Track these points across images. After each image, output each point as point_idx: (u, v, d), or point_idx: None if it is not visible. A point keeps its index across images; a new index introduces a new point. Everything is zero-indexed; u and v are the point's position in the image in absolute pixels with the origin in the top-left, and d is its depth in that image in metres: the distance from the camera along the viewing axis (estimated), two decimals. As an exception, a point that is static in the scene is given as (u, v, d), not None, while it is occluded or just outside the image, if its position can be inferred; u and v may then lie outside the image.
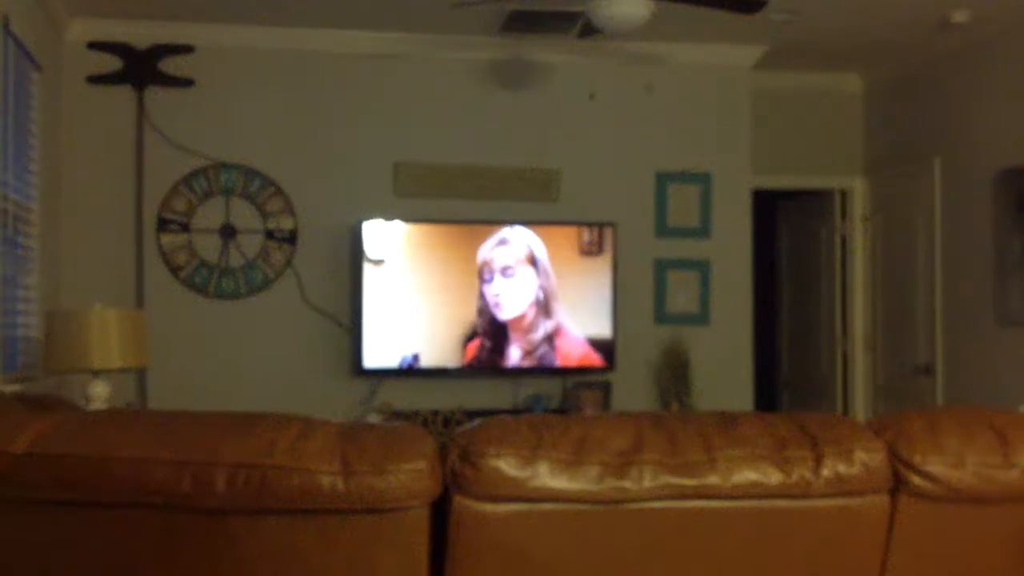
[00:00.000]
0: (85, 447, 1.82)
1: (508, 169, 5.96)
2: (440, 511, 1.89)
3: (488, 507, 1.88)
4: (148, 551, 1.83)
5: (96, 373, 4.19)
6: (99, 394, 4.16)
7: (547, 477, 1.89)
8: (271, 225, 5.75)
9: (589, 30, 4.67)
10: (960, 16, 5.35)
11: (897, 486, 2.06)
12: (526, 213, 5.88)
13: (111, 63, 5.61)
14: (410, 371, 5.65)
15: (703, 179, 6.15)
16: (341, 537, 1.82)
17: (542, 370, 5.78)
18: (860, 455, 2.06)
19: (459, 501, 1.88)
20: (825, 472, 2.03)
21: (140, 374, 5.44)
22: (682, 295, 6.11)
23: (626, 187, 6.07)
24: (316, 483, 1.80)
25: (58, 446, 1.84)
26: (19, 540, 1.87)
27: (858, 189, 6.88)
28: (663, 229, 6.12)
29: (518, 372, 5.78)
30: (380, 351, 5.61)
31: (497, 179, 5.95)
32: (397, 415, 5.55)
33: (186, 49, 5.65)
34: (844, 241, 6.93)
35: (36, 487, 1.83)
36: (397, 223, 5.66)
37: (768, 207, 7.20)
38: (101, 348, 4.11)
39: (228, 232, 5.72)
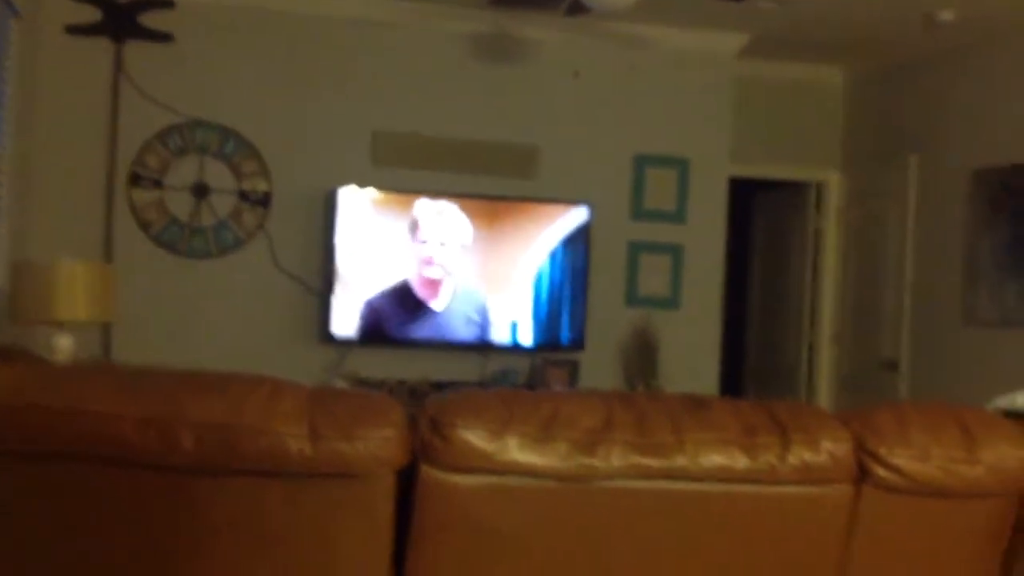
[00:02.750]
0: (50, 399, 1.80)
1: (487, 143, 5.94)
2: (407, 480, 1.89)
3: (455, 478, 1.88)
4: (112, 507, 1.82)
5: (61, 325, 4.14)
6: (63, 347, 4.11)
7: (516, 451, 1.89)
8: (245, 186, 5.70)
9: (577, 7, 4.65)
10: (946, 15, 5.36)
11: (862, 477, 2.08)
12: (502, 188, 5.86)
13: (91, 14, 5.51)
14: (377, 339, 5.63)
15: (681, 164, 6.15)
16: (307, 501, 1.81)
17: (511, 346, 5.77)
18: (827, 444, 2.07)
19: (426, 471, 1.88)
20: (791, 459, 2.04)
21: (105, 329, 5.38)
22: (654, 278, 6.12)
23: (604, 168, 6.07)
24: (284, 446, 1.78)
25: (23, 397, 1.82)
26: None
27: (834, 182, 6.90)
28: (639, 212, 6.12)
29: (486, 346, 5.77)
30: (348, 318, 5.58)
31: (475, 152, 5.92)
32: (363, 383, 5.53)
33: (167, 3, 5.57)
34: (817, 234, 6.96)
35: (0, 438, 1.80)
36: (371, 191, 5.62)
37: (745, 196, 7.21)
38: (67, 300, 4.07)
39: (201, 191, 5.66)
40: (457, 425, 1.86)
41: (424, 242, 5.65)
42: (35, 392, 1.85)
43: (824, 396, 6.85)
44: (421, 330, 5.69)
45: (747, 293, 7.75)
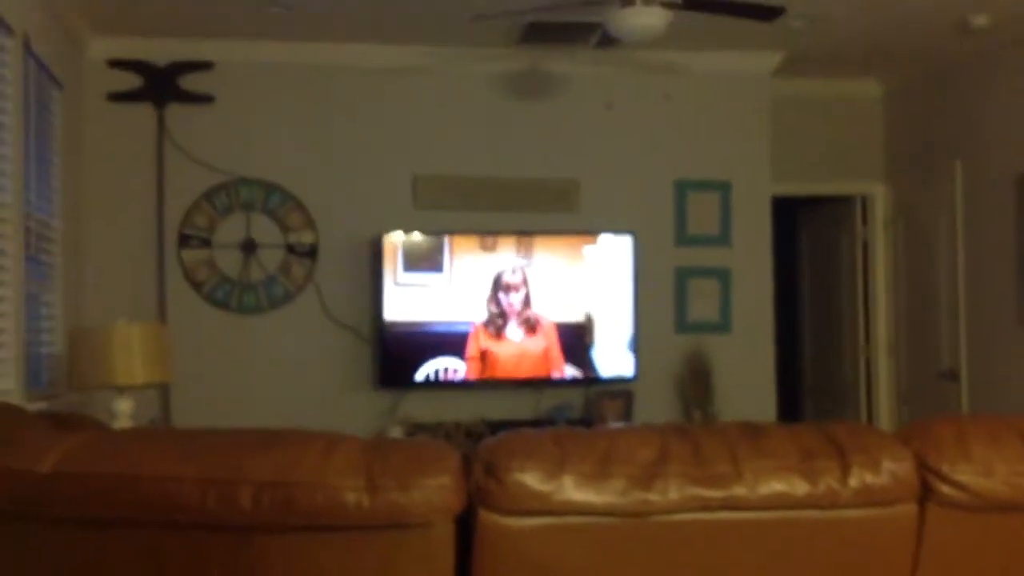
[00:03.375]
0: (111, 465, 1.83)
1: (526, 180, 5.96)
2: (465, 526, 1.89)
3: (513, 521, 1.87)
4: (173, 570, 1.83)
5: (120, 389, 4.20)
6: (123, 410, 4.17)
7: (572, 490, 1.88)
8: (292, 239, 5.77)
9: (607, 40, 4.68)
10: (980, 20, 5.31)
11: (926, 495, 2.04)
12: (545, 223, 5.87)
13: (131, 81, 5.64)
14: (431, 383, 5.64)
15: (723, 187, 6.13)
16: (366, 553, 1.82)
17: (563, 380, 5.76)
18: (888, 464, 2.04)
19: (484, 516, 1.87)
20: (852, 482, 2.01)
21: (164, 390, 5.45)
22: (703, 303, 6.09)
23: (645, 196, 6.06)
24: (341, 499, 1.79)
25: (84, 465, 1.84)
26: (45, 560, 1.88)
27: (879, 194, 6.84)
28: (683, 238, 6.10)
29: (539, 382, 5.76)
30: (401, 363, 5.61)
31: (516, 190, 5.95)
32: (419, 428, 5.54)
33: (205, 66, 5.68)
34: (866, 247, 6.89)
35: (62, 506, 1.83)
36: (416, 235, 5.66)
37: (788, 214, 7.17)
38: (125, 364, 4.13)
39: (249, 247, 5.74)
40: (512, 468, 1.86)
41: (506, 296, 5.68)
42: (95, 459, 1.87)
43: (884, 410, 6.75)
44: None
45: (798, 311, 7.68)
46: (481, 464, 1.88)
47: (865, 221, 6.89)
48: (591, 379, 5.79)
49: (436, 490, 1.83)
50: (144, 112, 5.67)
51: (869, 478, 2.03)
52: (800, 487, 2.00)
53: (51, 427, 2.39)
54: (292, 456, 1.83)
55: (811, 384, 7.62)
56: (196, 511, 1.79)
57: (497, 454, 1.88)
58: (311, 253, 5.78)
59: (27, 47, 4.28)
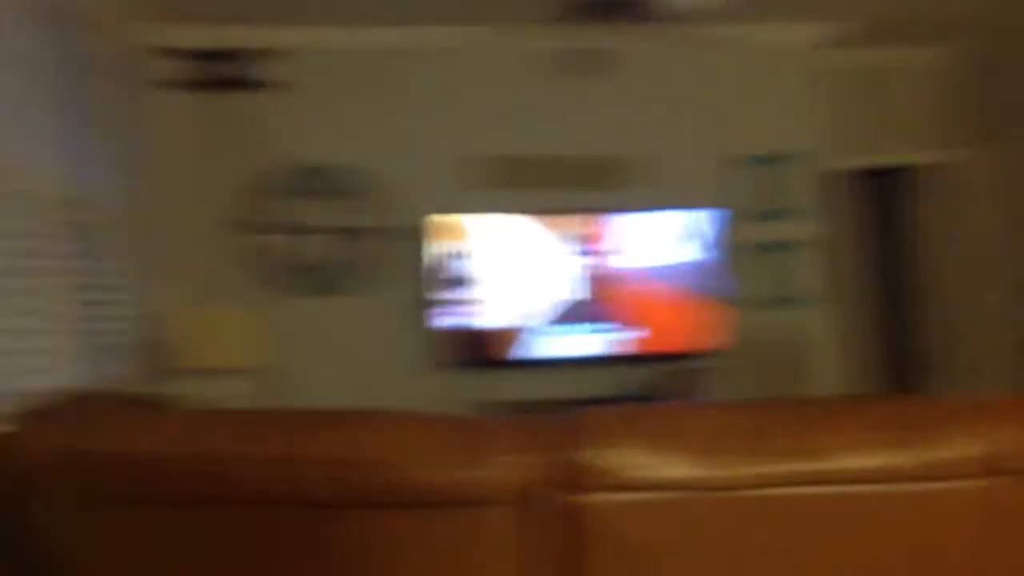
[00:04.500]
0: (188, 446, 1.87)
1: (577, 158, 5.95)
2: (542, 503, 1.88)
3: (589, 498, 1.86)
4: (256, 547, 1.87)
5: (212, 373, 4.28)
6: (222, 396, 4.23)
7: (648, 466, 1.87)
8: (354, 223, 5.82)
9: (656, 15, 4.62)
10: None
11: (995, 470, 2.01)
12: (595, 202, 5.82)
13: (193, 68, 5.74)
14: (505, 362, 5.67)
15: (802, 159, 6.04)
16: (434, 531, 1.82)
17: (637, 357, 5.75)
18: (960, 438, 2.01)
19: (558, 493, 1.87)
20: (925, 455, 1.99)
21: (244, 375, 5.57)
22: (783, 278, 6.02)
23: (707, 172, 6.00)
24: (412, 476, 1.80)
25: (177, 445, 1.89)
26: (137, 543, 1.92)
27: (966, 164, 6.66)
28: (749, 212, 6.03)
29: (608, 360, 5.74)
30: (478, 343, 5.65)
31: (568, 168, 5.94)
32: (492, 408, 5.58)
33: (275, 53, 5.76)
34: (945, 216, 6.72)
35: (152, 488, 1.88)
36: (473, 216, 5.68)
37: (859, 186, 7.02)
38: (225, 347, 4.18)
39: (316, 232, 5.81)
40: (609, 442, 1.85)
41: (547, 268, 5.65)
42: (175, 439, 1.92)
43: (974, 380, 6.61)
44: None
45: (887, 282, 7.53)
46: (556, 440, 1.87)
47: (936, 191, 6.72)
48: (666, 356, 5.76)
49: (509, 466, 1.83)
50: (207, 98, 5.76)
51: (940, 452, 2.00)
52: (891, 458, 1.97)
53: (141, 410, 2.46)
54: (363, 433, 1.85)
55: (898, 354, 7.44)
56: (272, 489, 1.82)
57: (573, 430, 1.87)
58: (370, 236, 5.82)
59: (95, 34, 4.34)
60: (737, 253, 5.96)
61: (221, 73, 5.74)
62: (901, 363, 7.34)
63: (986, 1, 5.57)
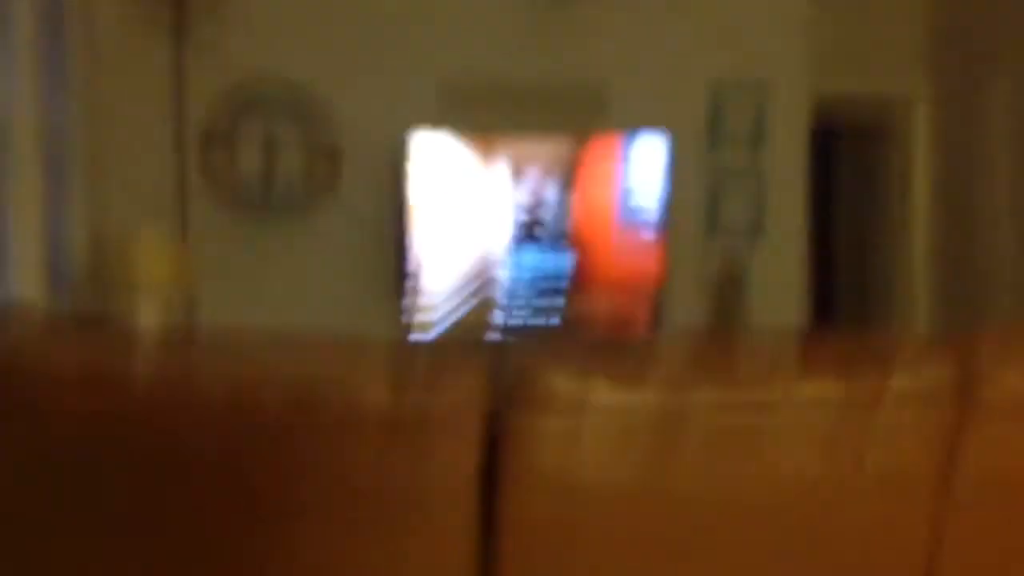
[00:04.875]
0: (133, 365, 1.81)
1: (555, 85, 5.85)
2: (496, 426, 1.86)
3: (542, 421, 1.84)
4: (203, 469, 1.83)
5: (144, 294, 4.20)
6: (150, 316, 4.17)
7: (604, 392, 1.86)
8: (315, 140, 5.69)
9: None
10: None
11: (966, 397, 2.00)
12: (574, 124, 5.77)
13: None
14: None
15: (758, 91, 5.98)
16: (394, 453, 1.80)
17: (592, 286, 5.73)
18: (926, 366, 2.00)
19: (512, 415, 1.85)
20: (891, 385, 1.98)
21: (189, 296, 5.46)
22: (737, 208, 6.00)
23: (677, 97, 5.93)
24: (366, 398, 1.77)
25: (106, 364, 1.83)
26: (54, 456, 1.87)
27: (920, 102, 6.68)
28: (717, 139, 5.98)
29: (568, 289, 5.73)
30: (433, 272, 5.59)
31: (544, 96, 5.85)
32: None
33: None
34: (907, 158, 6.77)
35: (82, 407, 1.81)
36: (442, 135, 5.58)
37: (828, 142, 7.02)
38: (148, 269, 4.12)
39: (271, 148, 5.67)
40: (542, 367, 1.83)
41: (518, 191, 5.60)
42: (120, 358, 1.85)
43: (924, 321, 6.70)
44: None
45: (836, 220, 7.61)
46: (511, 364, 1.85)
47: (907, 130, 6.75)
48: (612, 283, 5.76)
49: (464, 389, 1.81)
50: (163, 9, 5.56)
51: (907, 381, 1.99)
52: (836, 390, 1.97)
53: (75, 328, 2.37)
54: (318, 357, 1.81)
55: (849, 296, 7.57)
56: (222, 410, 1.77)
57: (527, 354, 1.86)
58: (334, 155, 5.71)
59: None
60: (692, 181, 5.91)
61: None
62: (857, 299, 7.45)
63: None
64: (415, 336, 5.53)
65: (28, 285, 3.95)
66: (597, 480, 1.90)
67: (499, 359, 1.87)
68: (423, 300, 5.62)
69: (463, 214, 5.59)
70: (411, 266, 5.54)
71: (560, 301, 5.71)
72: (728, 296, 5.81)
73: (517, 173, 5.62)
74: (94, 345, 1.91)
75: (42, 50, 4.25)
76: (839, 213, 7.48)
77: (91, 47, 5.12)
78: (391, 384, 1.77)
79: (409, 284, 5.57)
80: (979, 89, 6.03)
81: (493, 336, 5.46)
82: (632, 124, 5.79)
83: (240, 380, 1.79)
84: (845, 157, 7.40)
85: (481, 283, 5.58)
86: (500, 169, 5.59)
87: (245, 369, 1.80)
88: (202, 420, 1.79)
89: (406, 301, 5.60)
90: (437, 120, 5.68)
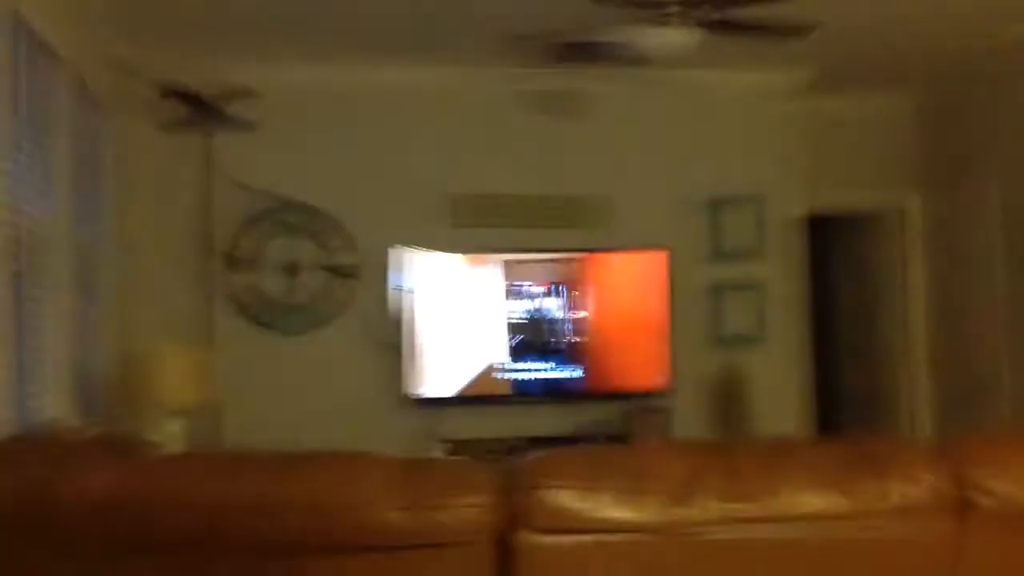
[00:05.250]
0: (161, 492, 1.87)
1: (560, 198, 5.99)
2: (506, 545, 1.91)
3: (551, 540, 1.89)
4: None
5: (170, 412, 4.27)
6: (174, 433, 4.24)
7: (608, 508, 1.90)
8: (333, 261, 5.84)
9: (637, 60, 4.70)
10: (1013, 30, 5.23)
11: (965, 508, 2.04)
12: (579, 242, 5.89)
13: (180, 109, 5.74)
14: (468, 399, 5.69)
15: (756, 202, 6.11)
16: (407, 573, 1.84)
17: (599, 394, 5.78)
18: (926, 477, 2.04)
19: (523, 534, 1.90)
20: (891, 496, 2.02)
21: (215, 411, 5.53)
22: (738, 318, 6.07)
23: (679, 213, 6.05)
24: (379, 519, 1.82)
25: (135, 491, 1.88)
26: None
27: (915, 208, 6.79)
28: (717, 253, 6.09)
29: (576, 396, 5.78)
30: (439, 381, 5.67)
31: (549, 208, 5.99)
32: (460, 445, 5.57)
33: (250, 93, 5.75)
34: (904, 261, 6.85)
35: (112, 533, 1.87)
36: (450, 253, 5.71)
37: (825, 230, 7.13)
38: (173, 386, 4.20)
39: (293, 270, 5.81)
40: (548, 486, 1.88)
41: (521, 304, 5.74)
42: (145, 485, 1.91)
43: (924, 424, 6.70)
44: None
45: (836, 326, 7.65)
46: (519, 483, 1.91)
47: (902, 235, 6.84)
48: (629, 394, 5.81)
49: (474, 509, 1.85)
50: (191, 140, 5.77)
51: (908, 492, 2.03)
52: (838, 502, 2.00)
53: (102, 452, 2.44)
54: (334, 478, 1.86)
55: (850, 399, 7.57)
56: (244, 535, 1.82)
57: (534, 473, 1.91)
58: (352, 274, 5.84)
59: (77, 77, 4.38)
60: (694, 293, 6.01)
61: (207, 114, 5.72)
62: (859, 406, 7.44)
63: (938, 54, 5.68)
64: (432, 451, 5.57)
65: (59, 403, 4.04)
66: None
67: (507, 477, 1.91)
68: (433, 409, 5.66)
69: (469, 326, 5.69)
70: (420, 376, 5.61)
71: (567, 411, 5.78)
72: (731, 402, 5.85)
73: (522, 286, 5.75)
74: (120, 471, 1.96)
75: (77, 174, 4.41)
76: (840, 301, 7.53)
77: (124, 172, 5.31)
78: (402, 505, 1.81)
79: (419, 393, 5.63)
80: (969, 194, 6.15)
81: (502, 449, 5.48)
82: (635, 238, 5.92)
83: (257, 505, 1.82)
84: (841, 245, 7.47)
85: (488, 393, 5.65)
86: (505, 282, 5.72)
87: (263, 492, 1.85)
88: (223, 545, 1.83)
89: (417, 410, 5.65)
90: (447, 236, 5.82)
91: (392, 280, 5.72)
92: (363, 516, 1.83)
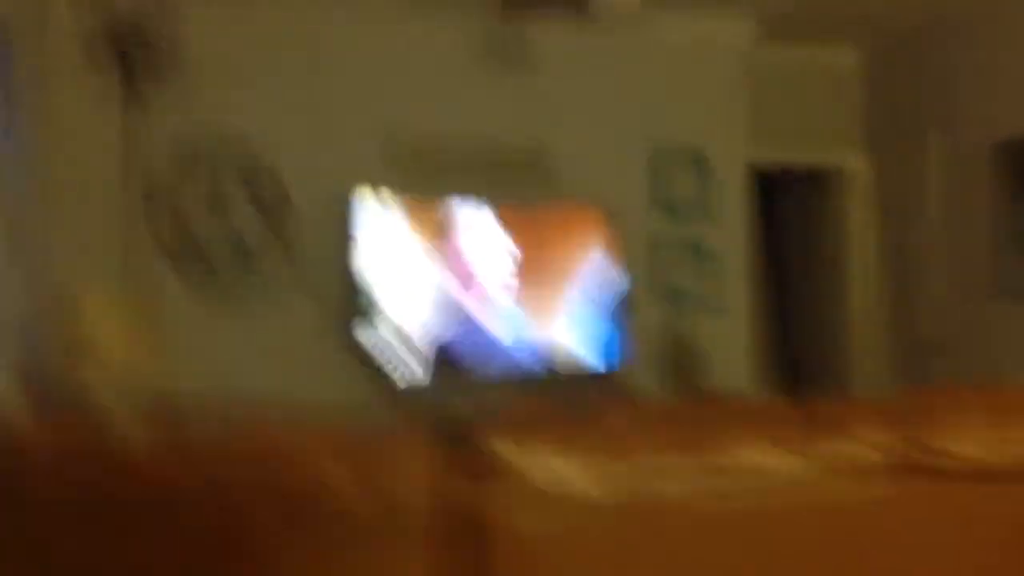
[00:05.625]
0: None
1: (499, 149, 5.91)
2: (457, 510, 1.87)
3: (502, 497, 1.85)
4: (162, 550, 1.82)
5: (94, 354, 4.16)
6: (106, 379, 4.13)
7: (552, 463, 1.87)
8: (260, 203, 5.71)
9: (583, 10, 4.63)
10: None
11: (906, 465, 2.05)
12: (516, 190, 5.83)
13: (100, 43, 5.53)
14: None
15: (698, 156, 6.11)
16: (349, 540, 1.80)
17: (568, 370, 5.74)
18: (867, 434, 2.05)
19: (474, 499, 1.86)
20: (826, 452, 2.02)
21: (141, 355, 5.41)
22: (681, 278, 6.07)
23: (619, 167, 6.02)
24: (322, 482, 1.78)
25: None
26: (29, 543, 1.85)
27: (857, 165, 6.85)
28: (659, 208, 6.08)
29: (536, 372, 5.74)
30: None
31: (487, 159, 5.91)
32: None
33: (175, 26, 5.57)
34: (845, 218, 6.91)
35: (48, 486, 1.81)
36: (385, 194, 5.61)
37: (767, 189, 7.16)
38: (98, 330, 4.09)
39: (220, 210, 5.67)
40: (490, 441, 1.85)
41: (463, 256, 5.63)
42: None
43: (868, 383, 6.81)
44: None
45: (781, 286, 7.71)
46: (470, 442, 1.87)
47: (843, 192, 6.90)
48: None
49: (423, 476, 1.82)
50: (112, 78, 5.57)
51: (846, 448, 2.04)
52: (777, 458, 2.00)
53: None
54: (271, 434, 1.82)
55: (794, 356, 7.66)
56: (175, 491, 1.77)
57: (484, 432, 1.87)
58: (280, 216, 5.72)
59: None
60: (644, 252, 5.99)
61: (129, 48, 5.52)
62: (805, 363, 7.54)
63: (886, 2, 5.69)
64: (376, 398, 5.46)
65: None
66: (555, 552, 1.90)
67: (455, 433, 1.87)
68: (381, 355, 5.57)
69: (407, 273, 5.60)
70: (364, 323, 5.52)
71: (513, 366, 5.75)
72: (680, 363, 5.86)
73: (459, 234, 5.66)
74: (72, 430, 1.90)
75: (15, 117, 4.26)
76: (787, 258, 7.59)
77: (39, 113, 5.12)
78: (352, 475, 1.77)
79: (363, 341, 5.54)
80: (913, 149, 6.21)
81: (450, 401, 5.43)
82: (575, 191, 5.87)
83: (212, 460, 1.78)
84: (787, 198, 7.52)
85: (435, 346, 5.58)
86: (443, 229, 5.63)
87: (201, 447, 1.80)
88: (153, 500, 1.78)
89: (362, 357, 5.56)
90: (381, 178, 5.71)
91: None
92: (300, 476, 1.78)
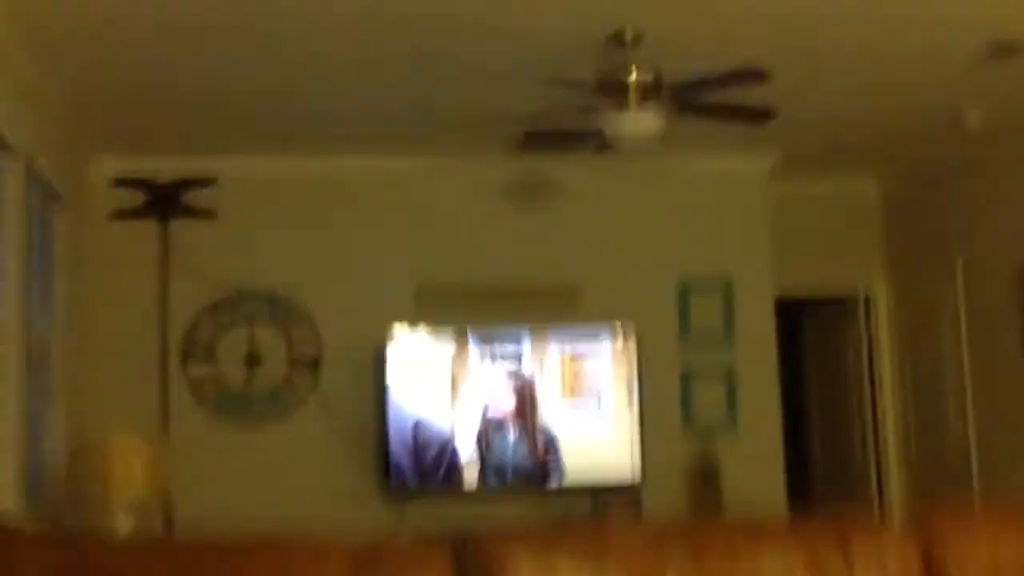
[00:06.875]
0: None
1: (528, 285, 5.98)
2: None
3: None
4: None
5: (121, 504, 4.16)
6: (123, 525, 4.12)
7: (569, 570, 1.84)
8: (296, 351, 5.77)
9: (604, 146, 4.72)
10: (974, 116, 5.30)
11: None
12: (548, 327, 5.87)
13: (135, 198, 5.71)
14: (441, 492, 5.58)
15: (725, 287, 6.14)
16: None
17: (570, 488, 5.68)
18: (893, 561, 2.01)
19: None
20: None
21: (166, 504, 5.40)
22: (709, 402, 6.05)
23: (647, 298, 6.05)
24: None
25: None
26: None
27: (881, 292, 6.86)
28: (686, 338, 6.09)
29: (547, 491, 5.69)
30: (409, 471, 5.57)
31: (517, 295, 5.96)
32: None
33: (208, 182, 5.74)
34: (871, 344, 6.89)
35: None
36: (419, 334, 5.65)
37: (792, 314, 7.18)
38: (123, 476, 4.10)
39: (252, 361, 5.74)
40: (502, 558, 1.83)
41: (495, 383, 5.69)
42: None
43: (895, 503, 6.68)
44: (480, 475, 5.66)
45: (806, 409, 7.65)
46: (475, 561, 1.85)
47: (868, 319, 6.90)
48: (598, 485, 5.72)
49: None
50: (148, 228, 5.73)
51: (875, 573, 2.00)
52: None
53: (43, 548, 2.35)
54: (284, 564, 1.80)
55: (822, 479, 7.54)
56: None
57: (486, 546, 1.86)
58: (315, 364, 5.77)
59: (29, 167, 4.34)
60: (672, 376, 5.98)
61: (161, 203, 5.70)
62: (831, 486, 7.41)
63: (919, 136, 5.75)
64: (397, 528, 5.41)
65: (5, 496, 3.91)
66: None
67: (464, 550, 1.85)
68: (404, 489, 5.53)
69: (440, 406, 5.60)
70: (393, 459, 5.50)
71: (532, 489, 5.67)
72: (705, 486, 5.78)
73: (490, 368, 5.68)
74: (65, 559, 1.90)
75: (30, 262, 4.35)
76: (810, 383, 7.54)
77: (80, 263, 5.24)
78: None
79: (391, 476, 5.51)
80: (934, 275, 6.23)
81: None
82: (605, 319, 5.89)
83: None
84: (811, 324, 7.51)
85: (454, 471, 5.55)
86: (474, 364, 5.65)
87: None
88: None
89: (389, 492, 5.52)
90: (415, 320, 5.77)
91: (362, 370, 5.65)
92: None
